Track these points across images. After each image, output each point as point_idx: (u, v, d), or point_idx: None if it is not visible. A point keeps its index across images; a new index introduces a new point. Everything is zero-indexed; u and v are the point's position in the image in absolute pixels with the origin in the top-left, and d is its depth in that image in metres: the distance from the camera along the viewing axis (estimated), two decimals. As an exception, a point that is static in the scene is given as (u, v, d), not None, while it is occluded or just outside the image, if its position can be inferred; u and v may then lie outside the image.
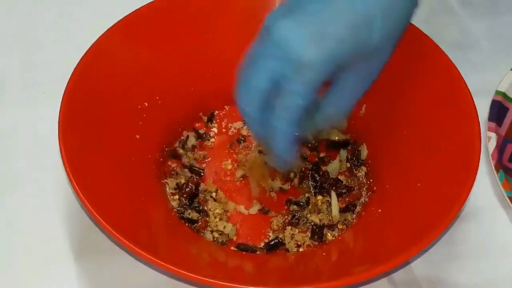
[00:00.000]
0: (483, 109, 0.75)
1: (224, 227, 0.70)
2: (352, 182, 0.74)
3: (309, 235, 0.70)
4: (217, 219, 0.71)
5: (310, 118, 0.64)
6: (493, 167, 0.72)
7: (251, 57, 0.62)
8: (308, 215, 0.71)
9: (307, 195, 0.73)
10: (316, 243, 0.70)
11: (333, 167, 0.74)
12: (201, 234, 0.70)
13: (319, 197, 0.73)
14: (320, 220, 0.71)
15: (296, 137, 0.63)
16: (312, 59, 0.59)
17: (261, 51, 0.61)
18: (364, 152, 0.75)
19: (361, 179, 0.74)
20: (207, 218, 0.71)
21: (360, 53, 0.61)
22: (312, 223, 0.71)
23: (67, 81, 0.71)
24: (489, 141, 0.74)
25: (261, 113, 0.62)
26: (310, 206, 0.72)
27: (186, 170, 0.74)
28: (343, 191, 0.73)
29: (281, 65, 0.60)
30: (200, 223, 0.70)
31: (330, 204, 0.72)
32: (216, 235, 0.70)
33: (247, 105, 0.62)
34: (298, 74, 0.59)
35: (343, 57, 0.60)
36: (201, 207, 0.71)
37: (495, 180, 0.73)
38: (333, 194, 0.72)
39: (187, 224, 0.70)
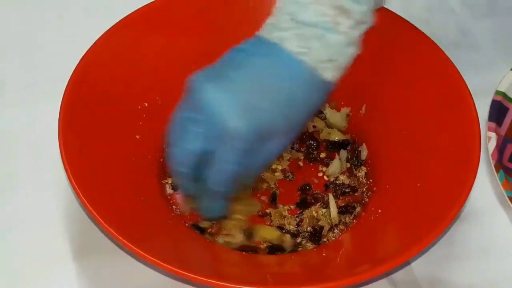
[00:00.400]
0: (483, 109, 0.75)
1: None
2: (352, 182, 0.74)
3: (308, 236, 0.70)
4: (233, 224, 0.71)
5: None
6: (493, 167, 0.72)
7: (180, 119, 0.64)
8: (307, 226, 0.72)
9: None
10: (314, 244, 0.70)
11: (334, 169, 0.74)
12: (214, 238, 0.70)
13: (314, 208, 0.73)
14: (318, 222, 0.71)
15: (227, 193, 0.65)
16: (239, 129, 0.61)
17: (189, 115, 0.63)
18: (364, 152, 0.75)
19: (361, 179, 0.74)
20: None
21: (280, 127, 0.63)
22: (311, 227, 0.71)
23: (67, 81, 0.71)
24: (489, 141, 0.74)
25: (193, 172, 0.64)
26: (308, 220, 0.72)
27: None
28: (347, 190, 0.73)
29: (209, 131, 0.62)
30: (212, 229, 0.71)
31: (327, 207, 0.72)
32: (228, 239, 0.70)
33: (180, 166, 0.64)
34: (226, 142, 0.61)
35: (265, 129, 0.62)
36: None
37: (495, 180, 0.73)
38: (330, 196, 0.72)
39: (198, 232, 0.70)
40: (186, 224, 0.71)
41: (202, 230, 0.70)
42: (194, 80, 0.63)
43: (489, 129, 0.75)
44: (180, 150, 0.64)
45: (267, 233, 0.70)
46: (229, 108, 0.61)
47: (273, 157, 0.66)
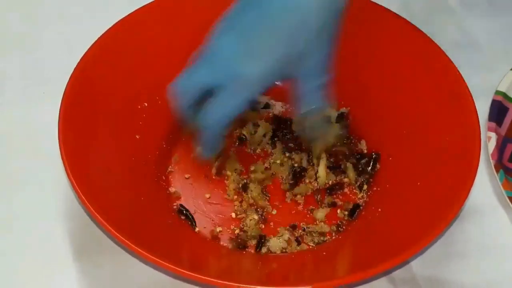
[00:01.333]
0: (483, 109, 0.75)
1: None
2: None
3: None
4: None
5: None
6: (493, 167, 0.72)
7: (199, 58, 0.65)
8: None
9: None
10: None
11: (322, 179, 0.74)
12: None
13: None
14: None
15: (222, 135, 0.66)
16: (249, 73, 0.62)
17: (204, 58, 0.64)
18: (363, 147, 0.75)
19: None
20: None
21: (296, 57, 0.63)
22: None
23: (67, 81, 0.71)
24: (489, 141, 0.74)
25: (193, 107, 0.65)
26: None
27: None
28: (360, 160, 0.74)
29: (220, 76, 0.63)
30: None
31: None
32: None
33: (184, 95, 0.66)
34: (232, 83, 0.63)
35: (280, 66, 0.63)
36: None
37: (495, 180, 0.73)
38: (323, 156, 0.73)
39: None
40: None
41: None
42: (213, 29, 0.64)
43: (489, 129, 0.75)
44: (186, 79, 0.65)
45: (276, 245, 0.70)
46: (240, 54, 0.62)
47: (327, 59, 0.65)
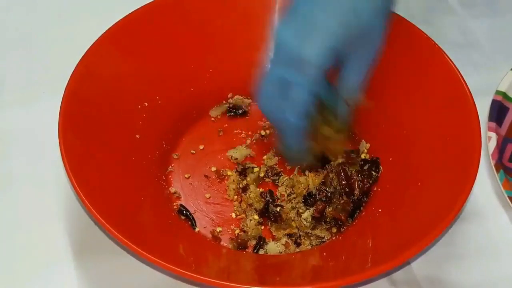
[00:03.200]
0: (483, 109, 0.75)
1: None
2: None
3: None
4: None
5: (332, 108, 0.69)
6: (493, 167, 0.72)
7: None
8: None
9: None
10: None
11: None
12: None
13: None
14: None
15: (305, 130, 0.67)
16: (308, 54, 0.63)
17: (272, 56, 0.66)
18: (364, 147, 0.75)
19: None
20: None
21: (352, 37, 0.65)
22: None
23: (67, 81, 0.71)
24: (489, 141, 0.74)
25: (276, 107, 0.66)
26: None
27: None
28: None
29: (286, 65, 0.64)
30: None
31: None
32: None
33: (264, 99, 0.67)
34: (299, 69, 0.64)
35: (337, 45, 0.64)
36: None
37: (495, 180, 0.73)
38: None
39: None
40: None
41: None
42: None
43: (489, 129, 0.75)
44: (264, 86, 0.66)
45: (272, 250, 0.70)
46: (297, 38, 0.64)
47: (376, 49, 0.68)
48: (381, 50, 0.68)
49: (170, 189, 0.73)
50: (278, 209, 0.71)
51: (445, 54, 0.74)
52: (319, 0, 0.64)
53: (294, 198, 0.72)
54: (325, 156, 0.73)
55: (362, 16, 0.64)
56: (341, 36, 0.64)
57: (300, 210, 0.71)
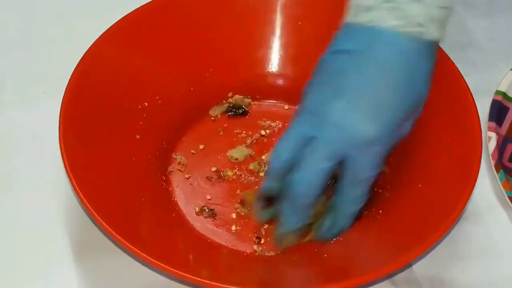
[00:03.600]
0: (483, 109, 0.75)
1: None
2: None
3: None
4: None
5: None
6: (493, 167, 0.72)
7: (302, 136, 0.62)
8: None
9: None
10: None
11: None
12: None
13: None
14: None
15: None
16: (376, 134, 0.61)
17: (317, 133, 0.61)
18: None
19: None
20: None
21: (414, 110, 0.63)
22: None
23: (67, 81, 0.71)
24: (489, 141, 0.74)
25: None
26: None
27: None
28: None
29: (343, 146, 0.61)
30: None
31: None
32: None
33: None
34: (366, 151, 0.61)
35: (401, 122, 0.62)
36: None
37: (495, 180, 0.72)
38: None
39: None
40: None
41: None
42: (314, 98, 0.62)
43: (489, 129, 0.75)
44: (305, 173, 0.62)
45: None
46: (362, 117, 0.60)
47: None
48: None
49: (170, 189, 0.73)
50: None
51: (445, 54, 0.74)
52: (369, 63, 0.61)
53: None
54: None
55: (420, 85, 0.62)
56: (404, 110, 0.62)
57: None
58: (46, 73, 0.82)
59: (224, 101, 0.80)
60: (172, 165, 0.75)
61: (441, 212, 0.64)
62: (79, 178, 0.65)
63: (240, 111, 0.79)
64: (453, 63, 0.73)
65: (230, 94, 0.80)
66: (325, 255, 0.68)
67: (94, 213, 0.63)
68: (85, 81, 0.72)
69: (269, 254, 0.69)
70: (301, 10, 0.79)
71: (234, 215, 0.72)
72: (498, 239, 0.71)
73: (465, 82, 0.72)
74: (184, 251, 0.68)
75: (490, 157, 0.73)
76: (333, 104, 0.61)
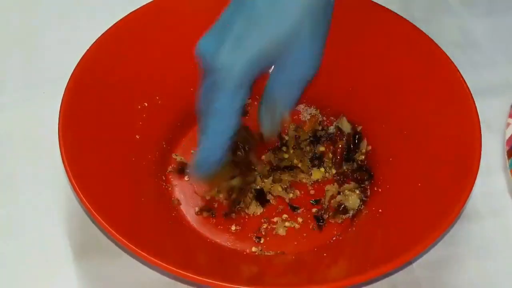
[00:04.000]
0: (483, 109, 0.75)
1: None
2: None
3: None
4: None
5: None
6: (506, 153, 0.71)
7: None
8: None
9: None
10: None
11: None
12: None
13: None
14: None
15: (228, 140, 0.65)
16: (225, 64, 0.62)
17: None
18: (365, 145, 0.75)
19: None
20: None
21: (276, 44, 0.63)
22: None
23: (67, 81, 0.71)
24: (507, 128, 0.72)
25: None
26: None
27: None
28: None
29: (209, 75, 0.63)
30: None
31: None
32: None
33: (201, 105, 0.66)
34: (218, 80, 0.63)
35: (259, 57, 0.63)
36: None
37: (495, 180, 0.73)
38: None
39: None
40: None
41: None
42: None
43: (510, 116, 0.73)
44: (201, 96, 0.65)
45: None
46: (216, 47, 0.62)
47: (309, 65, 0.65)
48: (318, 61, 0.65)
49: (170, 189, 0.73)
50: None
51: (445, 54, 0.74)
52: (241, 10, 0.63)
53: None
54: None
55: (285, 20, 0.62)
56: (268, 48, 0.62)
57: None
58: (46, 73, 0.82)
59: None
60: (172, 165, 0.75)
61: (440, 211, 0.64)
62: (79, 178, 0.65)
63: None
64: (453, 63, 0.73)
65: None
66: (325, 254, 0.68)
67: (94, 213, 0.63)
68: (85, 81, 0.72)
69: (269, 254, 0.69)
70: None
71: (233, 215, 0.72)
72: (499, 239, 0.71)
73: (465, 82, 0.72)
74: (184, 250, 0.68)
75: (505, 143, 0.72)
76: (203, 38, 0.64)
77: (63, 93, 0.70)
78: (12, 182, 0.74)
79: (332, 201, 0.72)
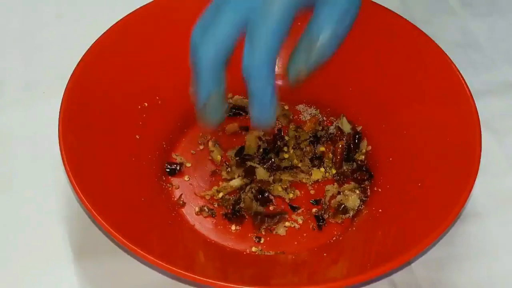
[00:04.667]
0: (483, 109, 0.75)
1: None
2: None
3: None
4: None
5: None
6: None
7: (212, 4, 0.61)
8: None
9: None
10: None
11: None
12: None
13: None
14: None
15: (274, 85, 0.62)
16: None
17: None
18: (365, 144, 0.75)
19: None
20: None
21: None
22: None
23: (67, 81, 0.71)
24: None
25: (222, 65, 0.61)
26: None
27: None
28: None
29: (248, 8, 0.60)
30: None
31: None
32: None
33: (212, 53, 0.61)
34: (267, 12, 0.59)
35: None
36: None
37: (495, 181, 0.72)
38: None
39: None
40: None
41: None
42: None
43: None
44: (214, 35, 0.60)
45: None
46: None
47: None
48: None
49: (170, 189, 0.73)
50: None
51: (445, 54, 0.74)
52: None
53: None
54: None
55: None
56: None
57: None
58: (46, 73, 0.82)
59: None
60: (172, 165, 0.75)
61: (440, 211, 0.64)
62: (79, 178, 0.65)
63: (240, 111, 0.79)
64: (453, 63, 0.73)
65: (230, 95, 0.80)
66: (325, 254, 0.68)
67: (94, 213, 0.63)
68: (84, 81, 0.72)
69: (269, 254, 0.69)
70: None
71: (233, 215, 0.72)
72: (499, 239, 0.71)
73: (465, 82, 0.72)
74: (184, 250, 0.68)
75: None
76: None
77: (63, 93, 0.70)
78: (12, 182, 0.74)
79: (332, 201, 0.72)
